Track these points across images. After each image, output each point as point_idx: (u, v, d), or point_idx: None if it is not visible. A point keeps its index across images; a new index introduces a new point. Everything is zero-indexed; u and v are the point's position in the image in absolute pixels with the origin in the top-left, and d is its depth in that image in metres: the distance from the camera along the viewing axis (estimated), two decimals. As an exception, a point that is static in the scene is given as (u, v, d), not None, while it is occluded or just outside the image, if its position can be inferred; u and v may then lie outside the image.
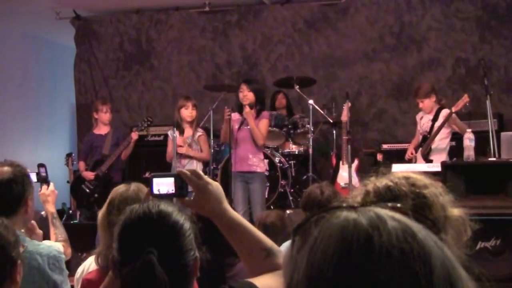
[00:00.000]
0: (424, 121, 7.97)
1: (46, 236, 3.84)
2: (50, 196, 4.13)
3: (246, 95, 7.60)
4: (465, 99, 7.55)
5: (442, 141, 7.80)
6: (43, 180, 4.48)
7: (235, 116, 7.76)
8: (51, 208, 4.09)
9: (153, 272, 1.86)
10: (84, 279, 3.04)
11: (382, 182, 1.91)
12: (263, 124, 7.70)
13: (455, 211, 1.89)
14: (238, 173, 7.64)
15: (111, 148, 8.92)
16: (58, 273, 3.22)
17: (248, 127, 7.60)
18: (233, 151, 7.72)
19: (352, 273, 0.95)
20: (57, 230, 4.01)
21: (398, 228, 0.98)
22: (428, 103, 7.88)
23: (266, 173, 8.18)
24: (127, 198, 2.97)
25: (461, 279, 0.99)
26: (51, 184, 4.22)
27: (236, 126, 7.68)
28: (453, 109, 7.58)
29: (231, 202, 7.10)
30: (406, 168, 6.87)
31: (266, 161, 8.20)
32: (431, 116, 7.86)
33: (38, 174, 4.68)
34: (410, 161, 7.83)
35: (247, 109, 7.53)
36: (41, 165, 4.77)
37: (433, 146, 7.78)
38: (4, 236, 2.38)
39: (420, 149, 7.83)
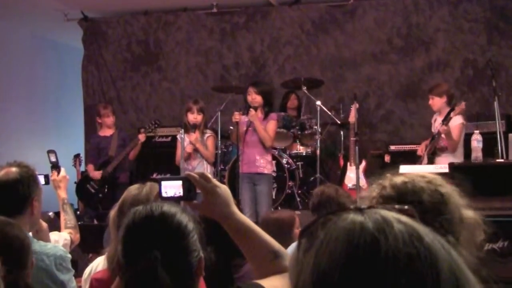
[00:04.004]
0: (436, 123, 7.91)
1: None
2: (62, 182, 4.15)
3: (255, 98, 7.61)
4: (462, 106, 7.50)
5: None
6: (54, 166, 4.48)
7: (243, 118, 7.76)
8: (62, 194, 4.12)
9: (155, 275, 1.86)
10: (93, 278, 3.04)
11: (398, 178, 1.92)
12: (271, 126, 7.70)
13: (470, 213, 1.89)
14: (246, 175, 7.65)
15: (117, 149, 8.95)
16: (65, 273, 3.23)
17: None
18: (241, 153, 7.72)
19: (358, 276, 0.95)
20: (67, 216, 4.04)
21: (405, 231, 0.98)
22: (437, 102, 7.81)
23: (274, 174, 8.19)
24: (139, 201, 2.97)
25: (469, 283, 0.98)
26: (62, 170, 4.24)
27: (244, 129, 7.68)
28: (452, 115, 7.53)
29: (238, 204, 7.10)
30: (413, 169, 6.85)
31: (273, 162, 8.21)
32: (442, 118, 7.81)
33: (48, 161, 4.68)
34: (420, 157, 7.79)
35: (252, 112, 7.53)
36: (51, 151, 4.76)
37: (443, 147, 7.73)
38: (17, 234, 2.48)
39: (427, 148, 7.80)
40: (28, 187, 3.28)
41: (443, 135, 7.54)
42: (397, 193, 1.87)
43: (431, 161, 7.61)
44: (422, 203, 1.83)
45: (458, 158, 7.59)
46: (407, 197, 1.85)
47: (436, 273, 0.95)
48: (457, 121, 7.55)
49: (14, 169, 3.28)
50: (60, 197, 4.11)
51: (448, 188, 1.91)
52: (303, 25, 10.46)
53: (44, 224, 3.62)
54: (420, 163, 7.62)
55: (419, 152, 7.90)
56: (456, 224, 1.84)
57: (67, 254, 3.32)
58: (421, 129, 9.31)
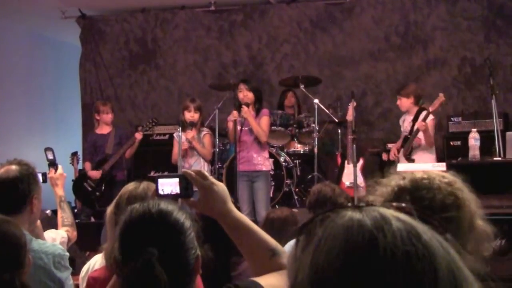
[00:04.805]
0: (406, 123, 7.97)
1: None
2: (59, 180, 4.15)
3: (247, 94, 7.64)
4: (440, 98, 7.54)
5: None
6: (52, 163, 4.49)
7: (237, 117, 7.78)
8: (59, 192, 4.12)
9: (152, 273, 1.86)
10: (90, 277, 3.03)
11: (419, 173, 1.93)
12: (264, 121, 7.74)
13: (482, 224, 1.88)
14: (244, 173, 7.65)
15: (114, 147, 8.93)
16: (63, 271, 3.23)
17: (250, 127, 7.62)
18: (238, 151, 7.73)
19: (356, 274, 0.95)
20: (64, 214, 4.04)
21: (403, 229, 0.98)
22: (404, 102, 7.92)
23: (272, 172, 8.19)
24: (136, 196, 2.97)
25: (467, 281, 0.98)
26: (60, 167, 4.24)
27: (239, 127, 7.69)
28: (430, 109, 7.55)
29: (235, 202, 7.11)
30: (411, 167, 6.85)
31: (271, 160, 8.21)
32: (411, 117, 7.85)
33: (45, 158, 4.68)
34: (393, 162, 7.81)
35: (244, 109, 7.54)
36: (48, 149, 4.76)
37: (416, 145, 7.77)
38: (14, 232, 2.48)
39: (403, 149, 7.81)
40: (28, 185, 3.28)
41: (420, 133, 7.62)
42: (413, 186, 1.88)
43: (410, 161, 7.65)
44: (434, 202, 1.82)
45: (433, 153, 7.78)
46: (421, 192, 1.85)
47: (434, 271, 0.95)
48: (429, 117, 7.62)
49: (14, 167, 3.28)
50: (57, 195, 4.11)
51: (466, 194, 1.90)
52: (300, 23, 10.45)
53: (38, 223, 3.61)
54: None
55: (392, 157, 7.90)
56: (465, 231, 1.83)
57: (66, 253, 3.32)
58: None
